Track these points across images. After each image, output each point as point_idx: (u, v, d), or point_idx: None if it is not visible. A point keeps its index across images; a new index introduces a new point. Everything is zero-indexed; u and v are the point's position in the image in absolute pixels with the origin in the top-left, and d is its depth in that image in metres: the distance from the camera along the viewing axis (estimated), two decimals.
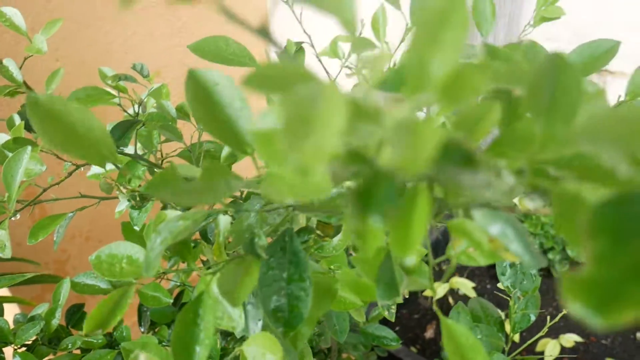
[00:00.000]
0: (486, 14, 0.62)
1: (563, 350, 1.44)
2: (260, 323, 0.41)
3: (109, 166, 0.68)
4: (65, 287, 0.72)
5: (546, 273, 1.65)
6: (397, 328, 1.53)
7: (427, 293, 1.39)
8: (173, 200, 0.25)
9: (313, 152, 0.12)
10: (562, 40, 2.07)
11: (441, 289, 1.39)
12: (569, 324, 1.54)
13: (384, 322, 1.51)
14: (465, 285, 1.46)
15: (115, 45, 0.97)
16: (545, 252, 1.62)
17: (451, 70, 0.14)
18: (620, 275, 0.13)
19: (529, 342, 1.01)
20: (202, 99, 0.27)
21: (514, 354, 1.10)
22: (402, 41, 0.45)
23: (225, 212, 0.35)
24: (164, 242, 0.34)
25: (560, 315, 0.86)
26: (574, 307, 0.13)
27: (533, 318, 0.83)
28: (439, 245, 1.58)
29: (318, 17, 0.70)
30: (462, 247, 0.36)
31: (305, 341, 0.38)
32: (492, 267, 1.57)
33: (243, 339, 0.50)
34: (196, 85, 0.28)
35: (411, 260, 0.17)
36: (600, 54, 0.50)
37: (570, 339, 1.37)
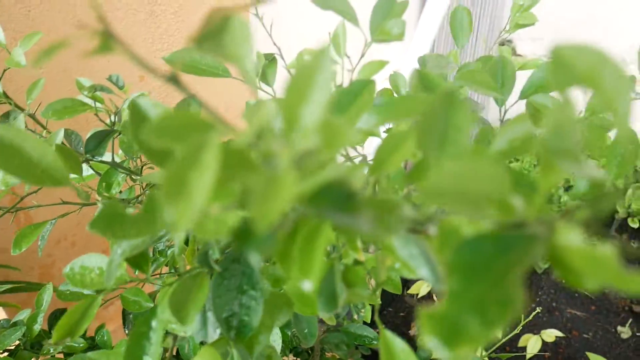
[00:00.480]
0: (463, 24, 0.63)
1: (546, 345, 1.46)
2: (219, 330, 0.42)
3: (87, 172, 0.70)
4: (48, 293, 0.74)
5: (530, 269, 1.66)
6: (383, 325, 1.55)
7: (412, 291, 1.41)
8: (121, 236, 0.27)
9: (182, 212, 0.13)
10: (545, 39, 2.09)
11: (425, 287, 1.42)
12: (552, 319, 1.57)
13: (370, 319, 1.53)
14: None
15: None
16: None
17: (318, 123, 0.16)
18: (464, 311, 0.15)
19: (507, 337, 1.03)
20: (140, 126, 0.29)
21: (494, 347, 1.13)
22: (362, 56, 0.47)
23: None
24: (123, 254, 0.36)
25: (534, 313, 0.87)
26: (428, 340, 0.15)
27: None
28: None
29: (289, 30, 0.71)
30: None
31: (261, 347, 0.39)
32: None
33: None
34: (136, 114, 0.30)
35: (309, 285, 0.19)
36: None
37: (551, 334, 1.39)
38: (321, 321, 1.37)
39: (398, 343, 0.31)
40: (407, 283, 1.64)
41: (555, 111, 0.17)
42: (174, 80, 0.20)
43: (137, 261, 0.36)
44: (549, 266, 1.73)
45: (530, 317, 0.86)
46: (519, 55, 2.27)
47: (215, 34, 0.21)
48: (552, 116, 0.17)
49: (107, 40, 0.20)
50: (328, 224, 0.20)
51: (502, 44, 2.27)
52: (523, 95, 0.50)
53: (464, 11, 0.59)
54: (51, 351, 0.72)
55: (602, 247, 0.15)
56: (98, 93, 0.61)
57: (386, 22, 0.42)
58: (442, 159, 0.20)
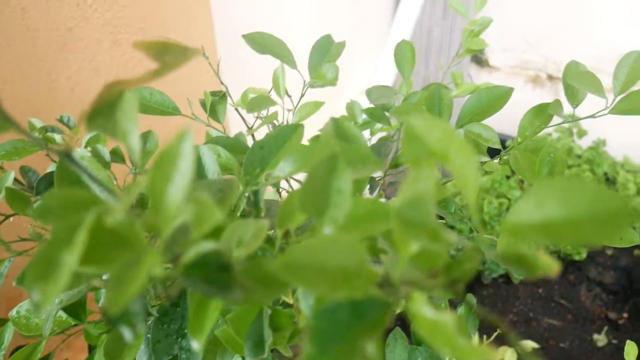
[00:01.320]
0: (406, 57, 0.65)
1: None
2: None
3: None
4: (10, 332, 0.73)
5: (506, 280, 1.69)
6: None
7: None
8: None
9: (48, 293, 0.14)
10: (516, 50, 2.14)
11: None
12: (529, 330, 1.59)
13: None
14: None
15: (59, 83, 0.99)
16: None
17: (182, 202, 0.17)
18: None
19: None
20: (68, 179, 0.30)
21: None
22: (301, 96, 0.48)
23: None
24: (60, 304, 0.36)
25: (494, 334, 0.87)
26: None
27: (473, 337, 0.87)
28: None
29: (236, 69, 0.73)
30: None
31: None
32: None
33: None
34: (64, 173, 0.30)
35: (196, 345, 0.19)
36: (496, 98, 0.53)
37: (527, 346, 1.41)
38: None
39: None
40: None
41: (410, 183, 0.18)
42: (67, 156, 0.20)
43: (74, 310, 0.37)
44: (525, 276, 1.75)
45: (492, 337, 0.86)
46: (492, 66, 2.32)
47: (107, 110, 0.21)
48: (407, 188, 0.18)
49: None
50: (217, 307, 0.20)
51: (475, 55, 2.31)
52: (458, 124, 0.52)
53: (407, 45, 0.61)
54: None
55: (446, 317, 0.16)
56: (50, 133, 0.61)
57: (322, 66, 0.43)
58: (324, 223, 0.21)
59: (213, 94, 0.59)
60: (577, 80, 0.49)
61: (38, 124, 0.61)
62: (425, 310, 0.16)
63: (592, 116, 0.52)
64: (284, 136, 0.37)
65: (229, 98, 0.56)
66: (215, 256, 0.18)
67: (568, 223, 0.16)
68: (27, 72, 0.92)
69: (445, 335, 0.16)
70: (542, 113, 0.50)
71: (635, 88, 0.52)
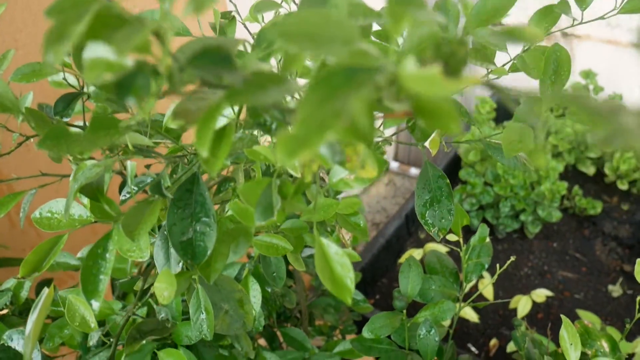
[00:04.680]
0: None
1: (537, 306, 1.48)
2: (181, 264, 0.45)
3: None
4: None
5: (521, 235, 1.69)
6: (377, 296, 1.59)
7: (403, 260, 1.43)
8: (66, 150, 0.29)
9: (58, 52, 0.16)
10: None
11: (416, 254, 1.44)
12: (544, 282, 1.59)
13: (363, 290, 1.55)
14: (440, 250, 1.50)
15: None
16: (517, 214, 1.67)
17: None
18: (309, 130, 0.17)
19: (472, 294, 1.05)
20: None
21: (467, 303, 1.14)
22: None
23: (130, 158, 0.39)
24: (79, 185, 0.38)
25: (497, 273, 0.86)
26: (279, 156, 0.17)
27: (486, 266, 0.87)
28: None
29: None
30: (340, 176, 0.40)
31: (217, 275, 0.42)
32: (467, 232, 1.62)
33: None
34: None
35: (204, 153, 0.21)
36: (502, 3, 0.53)
37: (541, 294, 1.42)
38: (310, 288, 1.39)
39: (332, 247, 0.34)
40: (398, 253, 1.67)
41: None
42: None
43: (92, 192, 0.38)
44: (540, 231, 1.72)
45: (496, 275, 0.85)
46: None
47: None
48: None
49: None
50: (221, 106, 0.22)
51: None
52: (466, 30, 0.52)
53: None
54: None
55: (431, 69, 0.17)
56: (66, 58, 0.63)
57: None
58: None
59: (222, 15, 0.59)
60: None
61: None
62: (412, 68, 0.17)
63: (602, 17, 0.52)
64: None
65: (237, 16, 0.57)
66: (217, 49, 0.20)
67: None
68: (40, 18, 0.94)
69: (431, 82, 0.17)
70: (549, 13, 0.50)
71: None
